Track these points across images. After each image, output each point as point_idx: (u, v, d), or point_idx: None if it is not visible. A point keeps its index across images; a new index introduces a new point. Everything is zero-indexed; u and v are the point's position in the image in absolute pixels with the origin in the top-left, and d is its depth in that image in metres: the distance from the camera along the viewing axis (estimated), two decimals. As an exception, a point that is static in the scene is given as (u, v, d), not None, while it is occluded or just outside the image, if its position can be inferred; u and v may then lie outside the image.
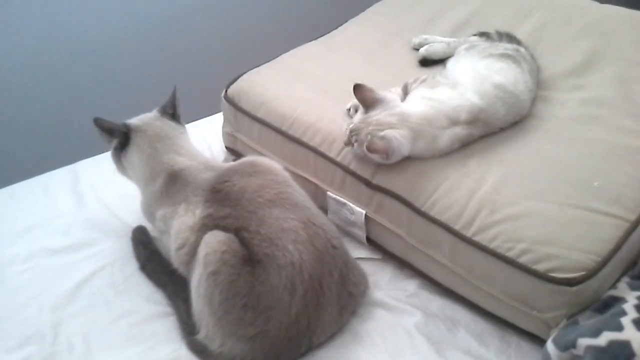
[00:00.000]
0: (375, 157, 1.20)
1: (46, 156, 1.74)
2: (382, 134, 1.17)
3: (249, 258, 1.08)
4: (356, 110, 1.31)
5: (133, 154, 1.28)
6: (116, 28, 2.11)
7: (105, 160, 1.46)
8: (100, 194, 1.52)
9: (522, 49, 1.43)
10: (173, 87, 1.36)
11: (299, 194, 1.21)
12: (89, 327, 1.19)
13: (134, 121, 1.31)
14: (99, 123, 1.27)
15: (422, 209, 1.17)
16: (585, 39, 1.54)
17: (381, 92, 1.25)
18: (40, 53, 2.01)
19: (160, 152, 1.27)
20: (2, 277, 1.31)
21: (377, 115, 1.20)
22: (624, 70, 1.43)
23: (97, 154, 1.61)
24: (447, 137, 1.20)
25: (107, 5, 2.07)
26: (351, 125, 1.23)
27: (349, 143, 1.24)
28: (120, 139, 1.28)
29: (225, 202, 1.15)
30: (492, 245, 1.08)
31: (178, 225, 1.18)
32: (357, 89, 1.23)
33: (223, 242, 1.08)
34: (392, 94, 1.27)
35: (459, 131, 1.21)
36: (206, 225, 1.14)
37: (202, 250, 1.09)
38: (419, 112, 1.20)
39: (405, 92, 1.34)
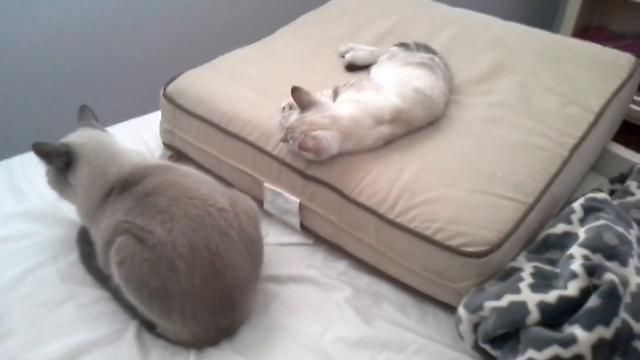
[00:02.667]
0: (307, 155, 1.31)
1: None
2: (314, 134, 1.28)
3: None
4: (290, 108, 1.43)
5: (82, 170, 1.25)
6: (55, 22, 2.06)
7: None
8: (38, 188, 1.52)
9: (436, 58, 1.59)
10: (83, 105, 1.41)
11: (192, 180, 1.24)
12: (35, 310, 1.22)
13: (70, 139, 1.29)
14: (38, 148, 1.23)
15: (351, 196, 1.30)
16: (492, 51, 1.73)
17: (316, 96, 1.36)
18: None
19: (107, 161, 1.26)
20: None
21: (311, 116, 1.31)
22: (524, 78, 1.61)
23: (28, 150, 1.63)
24: (373, 136, 1.33)
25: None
26: (287, 124, 1.34)
27: (285, 140, 1.34)
28: (64, 159, 1.25)
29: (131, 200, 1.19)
30: (412, 226, 1.22)
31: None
32: (295, 91, 1.34)
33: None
34: (325, 98, 1.39)
35: (383, 130, 1.34)
36: (116, 227, 1.17)
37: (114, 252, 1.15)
38: (348, 115, 1.32)
39: (336, 94, 1.46)
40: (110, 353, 1.15)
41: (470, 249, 1.16)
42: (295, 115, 1.35)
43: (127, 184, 1.23)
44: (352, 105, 1.37)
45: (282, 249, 1.42)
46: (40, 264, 1.33)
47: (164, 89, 1.62)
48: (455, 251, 1.17)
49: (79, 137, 1.31)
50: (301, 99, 1.33)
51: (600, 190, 1.41)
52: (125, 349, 1.16)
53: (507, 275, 1.17)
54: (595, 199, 1.29)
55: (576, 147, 1.42)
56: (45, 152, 1.25)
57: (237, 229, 1.18)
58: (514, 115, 1.48)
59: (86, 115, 1.39)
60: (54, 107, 2.05)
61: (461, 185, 1.27)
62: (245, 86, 1.57)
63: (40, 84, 2.11)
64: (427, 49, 1.67)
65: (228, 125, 1.48)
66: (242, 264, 1.17)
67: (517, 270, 1.17)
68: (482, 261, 1.16)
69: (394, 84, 1.44)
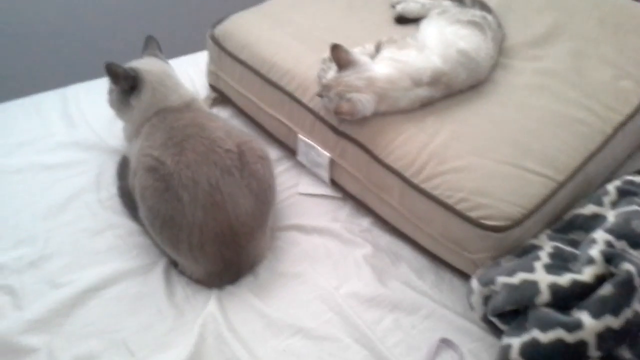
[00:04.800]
0: (341, 117, 1.33)
1: (37, 77, 1.82)
2: (349, 96, 1.28)
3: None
4: (331, 61, 1.43)
5: (146, 94, 1.34)
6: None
7: (92, 87, 1.57)
8: (89, 118, 1.62)
9: (489, 17, 1.52)
10: (149, 36, 1.51)
11: (214, 123, 1.32)
12: (77, 236, 1.32)
13: (137, 64, 1.39)
14: (110, 68, 1.33)
15: (380, 157, 1.30)
16: (550, 12, 1.64)
17: (355, 55, 1.34)
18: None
19: (170, 89, 1.37)
20: (-4, 185, 1.43)
21: (348, 76, 1.30)
22: (580, 45, 1.53)
23: (86, 80, 1.72)
24: (409, 98, 1.32)
25: None
26: (324, 81, 1.34)
27: (320, 95, 1.35)
28: (131, 83, 1.35)
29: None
30: (435, 193, 1.22)
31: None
32: (334, 49, 1.32)
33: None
34: (364, 57, 1.37)
35: (421, 93, 1.32)
36: (139, 160, 1.28)
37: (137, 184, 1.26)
38: (385, 75, 1.31)
39: (377, 50, 1.44)
40: (140, 284, 1.24)
41: (489, 222, 1.16)
42: (332, 72, 1.34)
43: (169, 114, 1.33)
44: (390, 64, 1.35)
45: (310, 200, 1.46)
46: (84, 192, 1.43)
47: (212, 31, 1.64)
48: (475, 223, 1.17)
49: (146, 64, 1.41)
50: (339, 58, 1.33)
51: (644, 171, 1.36)
52: (153, 282, 1.25)
53: (525, 252, 1.17)
54: (632, 182, 1.25)
55: (622, 124, 1.36)
56: (115, 73, 1.34)
57: (240, 168, 1.24)
58: (562, 84, 1.42)
59: (152, 46, 1.50)
60: (110, 39, 2.12)
61: (492, 156, 1.25)
62: (289, 33, 1.57)
63: (96, 18, 2.19)
64: (482, 5, 1.60)
65: (268, 72, 1.50)
66: (243, 200, 1.22)
67: (536, 248, 1.17)
68: (501, 236, 1.16)
69: (438, 43, 1.40)
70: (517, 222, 1.17)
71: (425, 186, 1.24)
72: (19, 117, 1.63)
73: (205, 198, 1.19)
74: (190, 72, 1.79)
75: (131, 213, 1.35)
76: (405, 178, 1.26)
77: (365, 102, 1.29)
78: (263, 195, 1.27)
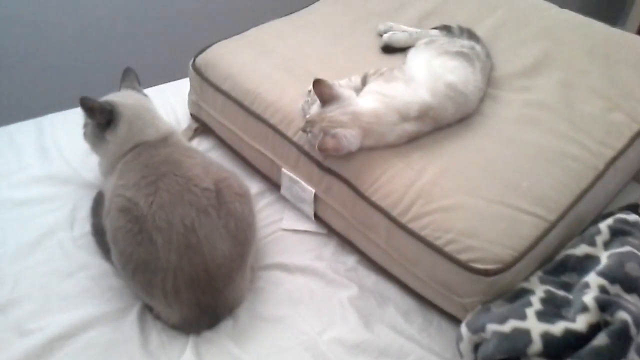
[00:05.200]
0: (326, 153, 1.29)
1: (11, 107, 1.76)
2: (333, 131, 1.24)
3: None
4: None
5: (122, 129, 1.30)
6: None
7: (69, 116, 1.52)
8: (64, 150, 1.56)
9: (478, 47, 1.49)
10: (128, 68, 1.47)
11: (190, 160, 1.26)
12: (47, 278, 1.26)
13: (113, 98, 1.35)
14: (85, 103, 1.28)
15: (366, 194, 1.26)
16: (539, 42, 1.61)
17: (338, 89, 1.31)
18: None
19: (147, 123, 1.32)
20: (-35, 224, 1.36)
21: (332, 112, 1.26)
22: (569, 76, 1.50)
23: (62, 109, 1.66)
24: (396, 133, 1.28)
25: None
26: (307, 116, 1.30)
27: (304, 130, 1.31)
28: (107, 117, 1.30)
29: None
30: (423, 233, 1.18)
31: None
32: (317, 84, 1.28)
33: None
34: (348, 91, 1.33)
35: (408, 127, 1.29)
36: (112, 200, 1.22)
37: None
38: (371, 110, 1.27)
39: (364, 82, 1.40)
40: (113, 330, 1.18)
41: (479, 266, 1.12)
42: (316, 106, 1.30)
43: (145, 150, 1.28)
44: (376, 98, 1.31)
45: (294, 236, 1.41)
46: (57, 230, 1.37)
47: (194, 60, 1.60)
48: (464, 266, 1.13)
49: (123, 98, 1.37)
50: (322, 93, 1.28)
51: (636, 206, 1.32)
52: (127, 329, 1.18)
53: (516, 296, 1.12)
54: (625, 221, 1.21)
55: (613, 160, 1.32)
56: (90, 107, 1.29)
57: (217, 207, 1.19)
58: (552, 117, 1.39)
59: (129, 78, 1.46)
60: (89, 68, 2.08)
61: (481, 194, 1.21)
62: (273, 63, 1.53)
63: (76, 45, 2.14)
64: (470, 35, 1.57)
65: (252, 104, 1.46)
66: (221, 241, 1.17)
67: (528, 292, 1.12)
68: (491, 280, 1.12)
69: (426, 76, 1.37)
70: (508, 266, 1.12)
71: (413, 226, 1.19)
72: (-9, 148, 1.57)
73: (180, 240, 1.13)
74: (172, 101, 1.75)
75: (104, 253, 1.29)
76: (391, 217, 1.22)
77: (350, 137, 1.25)
78: (242, 235, 1.22)
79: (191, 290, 1.15)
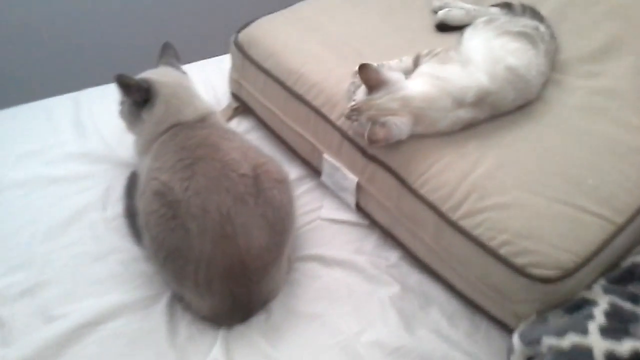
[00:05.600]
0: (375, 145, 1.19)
1: (49, 81, 1.73)
2: (383, 119, 1.15)
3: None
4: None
5: (159, 108, 1.25)
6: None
7: (107, 92, 1.46)
8: (100, 127, 1.52)
9: (542, 28, 1.37)
10: (166, 42, 1.41)
11: (228, 142, 1.21)
12: (76, 261, 1.22)
13: (150, 76, 1.29)
14: (121, 80, 1.23)
15: (413, 186, 1.17)
16: (610, 22, 1.47)
17: (386, 73, 1.21)
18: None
19: (185, 102, 1.28)
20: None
21: (380, 98, 1.17)
22: (643, 62, 1.37)
23: (99, 84, 1.62)
24: (449, 120, 1.18)
25: None
26: (353, 104, 1.20)
27: (348, 118, 1.22)
28: (143, 95, 1.25)
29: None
30: (476, 232, 1.08)
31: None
32: (362, 69, 1.19)
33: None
34: (396, 74, 1.23)
35: (462, 114, 1.19)
36: (147, 182, 1.18)
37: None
38: (422, 94, 1.17)
39: (416, 64, 1.30)
40: (141, 319, 1.14)
41: (537, 271, 1.02)
42: (362, 91, 1.20)
43: (182, 131, 1.23)
44: (429, 81, 1.21)
45: (333, 226, 1.34)
46: (89, 210, 1.33)
47: (236, 36, 1.52)
48: (520, 271, 1.03)
49: (160, 75, 1.32)
50: (369, 79, 1.19)
51: None
52: (155, 318, 1.14)
53: (577, 307, 1.02)
54: None
55: (693, 156, 1.19)
56: (126, 85, 1.25)
57: (255, 195, 1.12)
58: (622, 107, 1.27)
59: (168, 53, 1.40)
60: (127, 43, 2.04)
61: (541, 191, 1.11)
62: (319, 41, 1.44)
63: (115, 19, 2.10)
64: (533, 13, 1.45)
65: (294, 84, 1.38)
66: (257, 231, 1.11)
67: (590, 303, 1.02)
68: (549, 287, 1.02)
69: (485, 58, 1.26)
70: (569, 272, 1.02)
71: (464, 224, 1.10)
72: (29, 123, 1.54)
73: (215, 229, 1.08)
74: (212, 78, 1.67)
75: (136, 237, 1.25)
76: (441, 212, 1.13)
77: (401, 125, 1.16)
78: (280, 224, 1.15)
79: (224, 281, 1.09)
